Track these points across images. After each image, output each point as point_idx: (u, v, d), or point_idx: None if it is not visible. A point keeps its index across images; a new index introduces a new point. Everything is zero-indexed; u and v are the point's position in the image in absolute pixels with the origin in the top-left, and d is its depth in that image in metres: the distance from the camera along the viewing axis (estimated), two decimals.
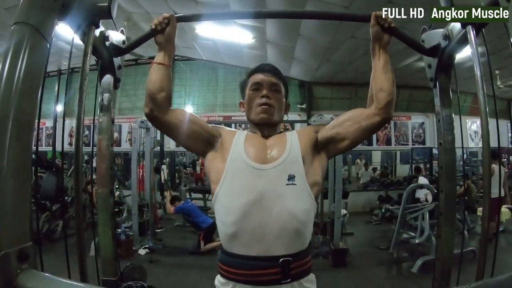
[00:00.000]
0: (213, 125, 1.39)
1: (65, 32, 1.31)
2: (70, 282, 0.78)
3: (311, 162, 1.29)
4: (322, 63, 7.68)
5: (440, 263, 1.59)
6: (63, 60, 6.38)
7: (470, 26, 1.13)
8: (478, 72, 1.11)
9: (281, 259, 1.17)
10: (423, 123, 9.72)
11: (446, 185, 1.60)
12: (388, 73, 1.31)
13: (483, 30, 1.24)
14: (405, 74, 7.68)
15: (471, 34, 1.13)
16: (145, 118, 5.61)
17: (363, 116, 1.31)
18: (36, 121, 1.05)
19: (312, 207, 1.25)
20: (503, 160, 10.25)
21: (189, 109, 9.42)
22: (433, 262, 4.27)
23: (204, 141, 1.33)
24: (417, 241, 4.61)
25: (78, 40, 1.31)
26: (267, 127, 1.37)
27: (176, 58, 9.17)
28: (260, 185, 1.20)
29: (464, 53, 1.56)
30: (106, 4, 1.21)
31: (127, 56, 8.31)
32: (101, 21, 1.37)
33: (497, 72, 6.72)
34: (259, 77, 1.39)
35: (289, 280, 1.18)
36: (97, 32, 1.38)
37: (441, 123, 1.62)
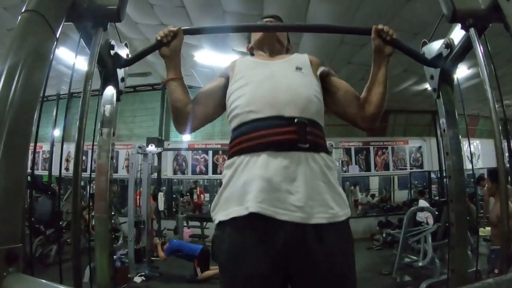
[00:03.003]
0: (222, 72, 1.42)
1: (65, 55, 1.30)
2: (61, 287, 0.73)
3: (316, 73, 1.31)
4: None
5: (456, 276, 1.52)
6: (63, 84, 6.42)
7: (473, 28, 1.14)
8: (485, 72, 1.10)
9: (296, 119, 1.10)
10: (420, 147, 9.75)
11: (456, 191, 1.55)
12: (381, 88, 1.30)
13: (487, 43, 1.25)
14: (402, 99, 7.80)
15: (475, 37, 1.14)
16: (143, 143, 5.53)
17: (355, 104, 1.32)
18: (36, 124, 1.01)
19: (321, 92, 1.26)
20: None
21: (186, 137, 9.39)
22: (437, 285, 4.16)
23: (224, 96, 1.33)
24: (420, 264, 4.50)
25: (78, 65, 1.32)
26: (272, 44, 1.42)
27: None
28: (270, 69, 1.25)
29: (460, 74, 1.57)
30: (116, 7, 1.21)
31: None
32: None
33: None
34: (265, 20, 1.50)
35: (307, 145, 1.08)
36: (102, 40, 1.38)
37: (446, 132, 1.60)
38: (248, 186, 1.05)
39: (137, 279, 5.09)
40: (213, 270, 5.08)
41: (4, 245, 0.73)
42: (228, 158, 1.16)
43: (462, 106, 1.70)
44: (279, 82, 1.18)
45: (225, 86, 1.33)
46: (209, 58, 6.83)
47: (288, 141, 1.07)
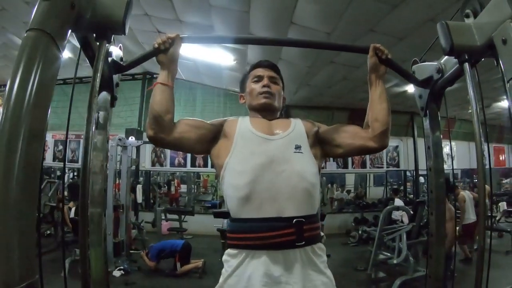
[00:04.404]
0: (217, 120, 1.46)
1: None
2: None
3: (313, 142, 1.40)
4: (300, 87, 7.83)
5: (432, 281, 1.61)
6: None
7: (467, 63, 1.21)
8: (474, 105, 1.18)
9: (295, 220, 1.21)
10: (397, 146, 10.06)
11: (437, 206, 1.65)
12: (383, 103, 1.38)
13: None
14: None
15: (468, 70, 1.20)
16: (122, 135, 5.47)
17: (359, 135, 1.39)
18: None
19: (318, 174, 1.35)
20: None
21: None
22: (410, 282, 4.35)
23: (210, 140, 1.38)
24: (395, 261, 4.68)
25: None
26: (268, 112, 1.46)
27: (154, 75, 9.09)
28: (269, 151, 1.28)
29: None
30: (121, 19, 1.17)
31: None
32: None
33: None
34: (259, 70, 1.52)
35: (303, 242, 1.22)
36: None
37: (431, 149, 1.69)
38: (253, 280, 1.19)
39: (116, 273, 5.04)
40: (193, 264, 5.11)
41: (23, 282, 0.72)
42: (231, 246, 1.28)
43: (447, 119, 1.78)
44: (280, 173, 1.24)
45: (215, 132, 1.39)
46: (193, 51, 6.71)
47: (287, 242, 1.21)
